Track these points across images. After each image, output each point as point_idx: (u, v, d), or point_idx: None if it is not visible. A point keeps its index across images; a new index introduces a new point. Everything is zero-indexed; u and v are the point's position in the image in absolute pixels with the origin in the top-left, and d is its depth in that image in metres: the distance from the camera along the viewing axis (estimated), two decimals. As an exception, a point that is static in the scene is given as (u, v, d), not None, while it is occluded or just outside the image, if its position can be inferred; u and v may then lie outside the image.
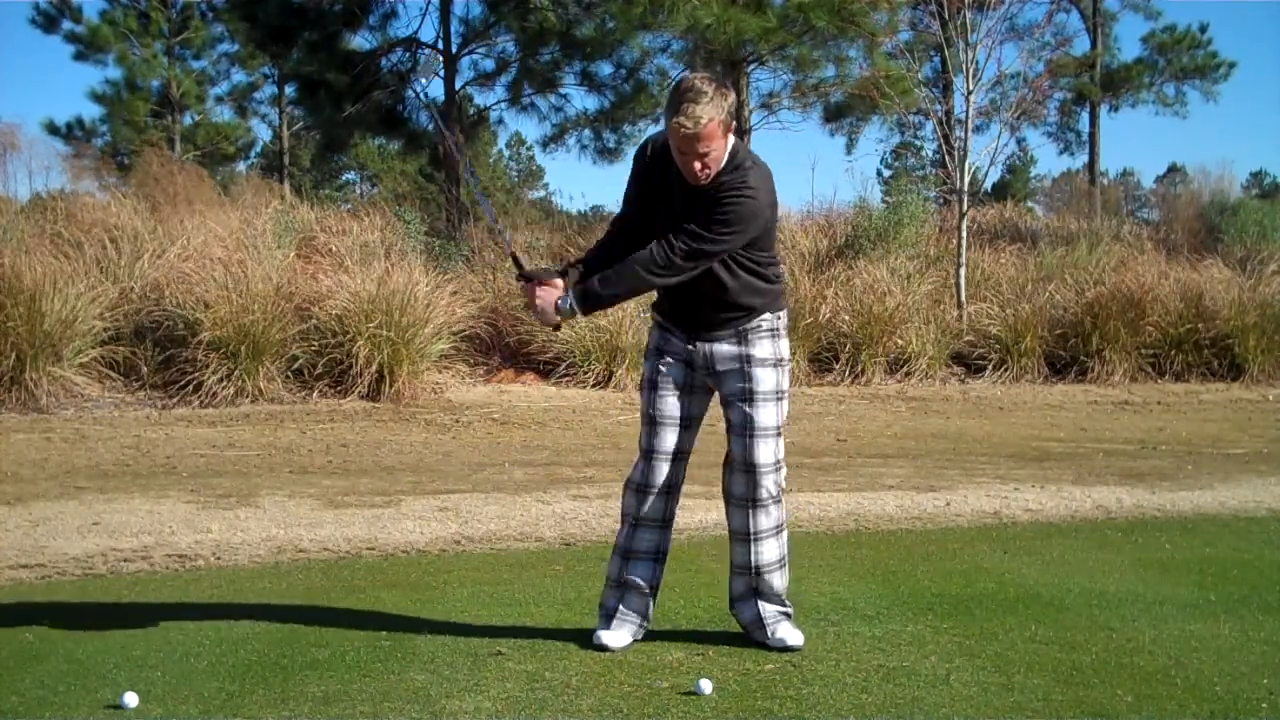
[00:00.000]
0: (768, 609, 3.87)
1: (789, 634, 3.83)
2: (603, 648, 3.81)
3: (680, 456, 3.88)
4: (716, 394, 3.89)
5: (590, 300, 3.74)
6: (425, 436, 9.31)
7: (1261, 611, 4.26)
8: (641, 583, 3.89)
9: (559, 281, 3.79)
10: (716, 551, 4.80)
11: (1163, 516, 6.30)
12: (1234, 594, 4.52)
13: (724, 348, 3.81)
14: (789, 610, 3.90)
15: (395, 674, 3.57)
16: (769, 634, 3.85)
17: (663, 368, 3.86)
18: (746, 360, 3.80)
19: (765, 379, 3.80)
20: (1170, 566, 5.02)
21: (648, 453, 3.86)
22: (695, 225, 3.64)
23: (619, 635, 3.85)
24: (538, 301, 3.77)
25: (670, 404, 3.84)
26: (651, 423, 3.85)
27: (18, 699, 3.40)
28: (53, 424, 9.42)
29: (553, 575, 4.92)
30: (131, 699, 3.31)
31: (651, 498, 3.86)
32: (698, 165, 3.61)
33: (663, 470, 3.85)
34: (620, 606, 3.89)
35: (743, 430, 3.81)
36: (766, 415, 3.79)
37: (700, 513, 6.03)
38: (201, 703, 3.35)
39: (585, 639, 3.88)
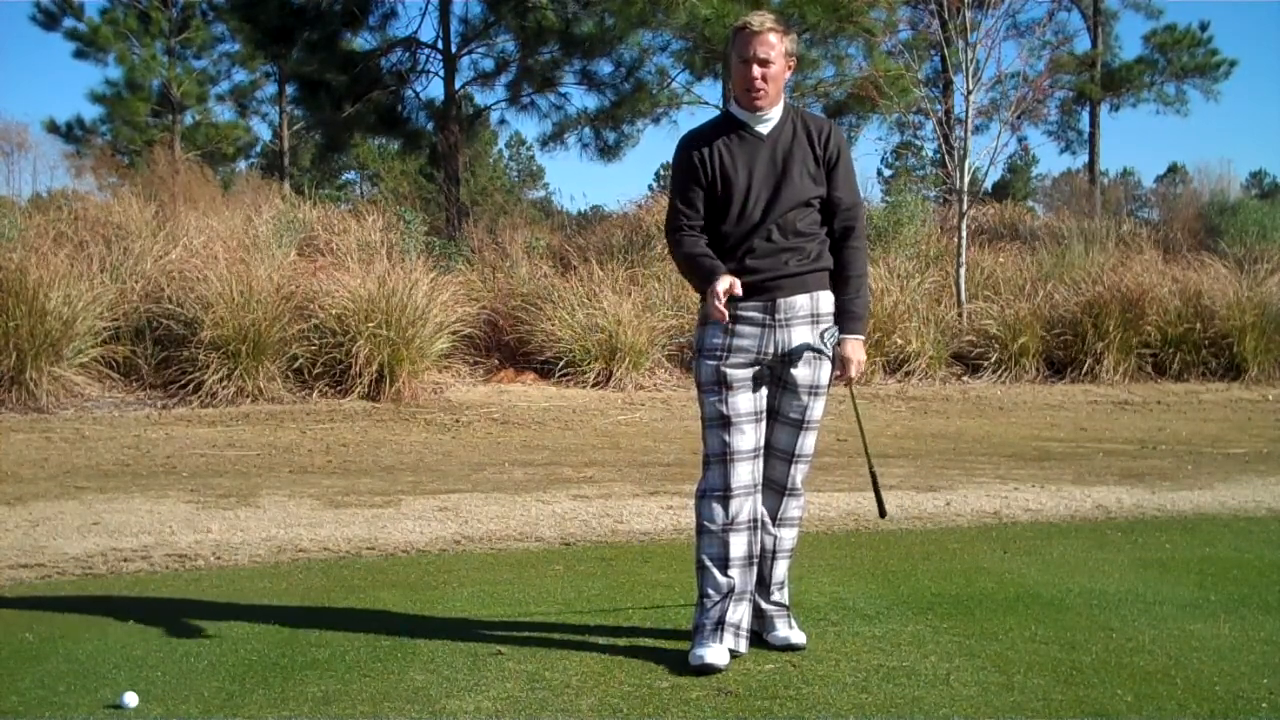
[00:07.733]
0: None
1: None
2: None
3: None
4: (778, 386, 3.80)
5: (865, 322, 3.76)
6: (425, 436, 9.31)
7: (1261, 611, 4.26)
8: None
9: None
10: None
11: (1163, 516, 6.29)
12: (1234, 594, 4.51)
13: None
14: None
15: (395, 674, 3.57)
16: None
17: None
18: None
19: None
20: (1170, 566, 5.02)
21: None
22: (844, 195, 3.64)
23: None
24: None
25: None
26: None
27: (18, 699, 3.40)
28: (53, 424, 9.41)
29: (553, 575, 4.91)
30: (131, 699, 3.31)
31: None
32: (756, 71, 3.52)
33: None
34: None
35: None
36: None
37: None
38: (201, 703, 3.35)
39: (585, 639, 3.88)
